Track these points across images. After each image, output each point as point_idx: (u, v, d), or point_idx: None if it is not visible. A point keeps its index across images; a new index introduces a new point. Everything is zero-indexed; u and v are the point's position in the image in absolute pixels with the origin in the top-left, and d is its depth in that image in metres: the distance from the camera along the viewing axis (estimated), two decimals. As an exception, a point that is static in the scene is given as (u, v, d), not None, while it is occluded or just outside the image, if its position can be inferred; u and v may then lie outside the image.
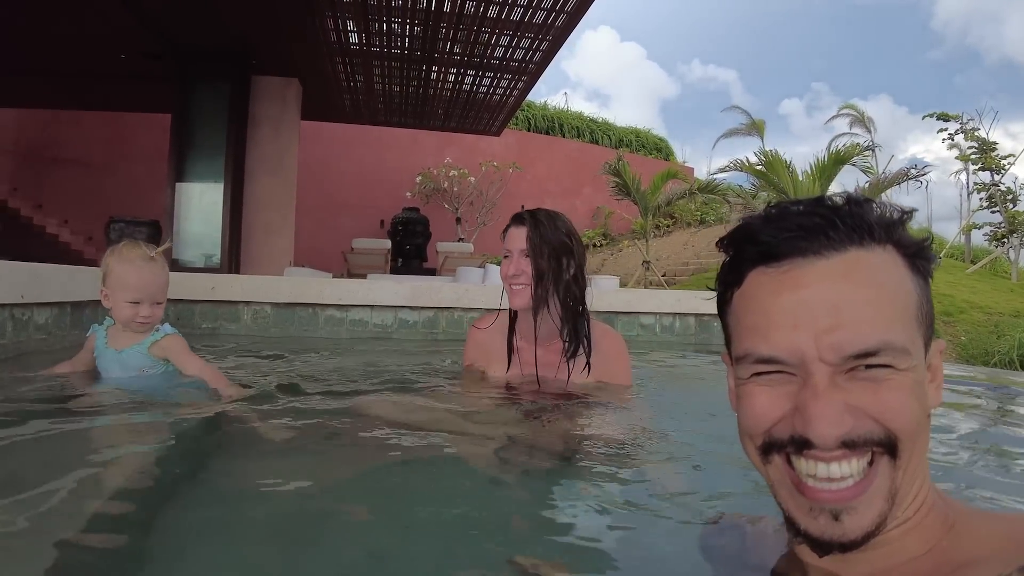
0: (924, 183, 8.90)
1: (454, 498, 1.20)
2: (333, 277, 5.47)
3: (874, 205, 0.65)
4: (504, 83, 10.16)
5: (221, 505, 1.14)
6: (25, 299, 2.68)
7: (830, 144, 9.88)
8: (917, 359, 0.61)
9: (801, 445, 0.60)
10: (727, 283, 0.70)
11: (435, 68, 9.64)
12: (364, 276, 7.40)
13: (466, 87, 10.38)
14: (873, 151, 16.22)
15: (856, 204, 0.64)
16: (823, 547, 0.62)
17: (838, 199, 0.65)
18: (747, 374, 0.65)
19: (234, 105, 9.21)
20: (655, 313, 4.42)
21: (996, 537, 0.61)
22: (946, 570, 0.61)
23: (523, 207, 2.25)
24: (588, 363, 2.00)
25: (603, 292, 4.56)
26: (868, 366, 0.59)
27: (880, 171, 12.33)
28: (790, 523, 0.64)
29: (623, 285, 10.77)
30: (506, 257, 2.01)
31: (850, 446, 0.58)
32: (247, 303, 3.91)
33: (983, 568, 0.58)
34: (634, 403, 2.01)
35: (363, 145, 15.84)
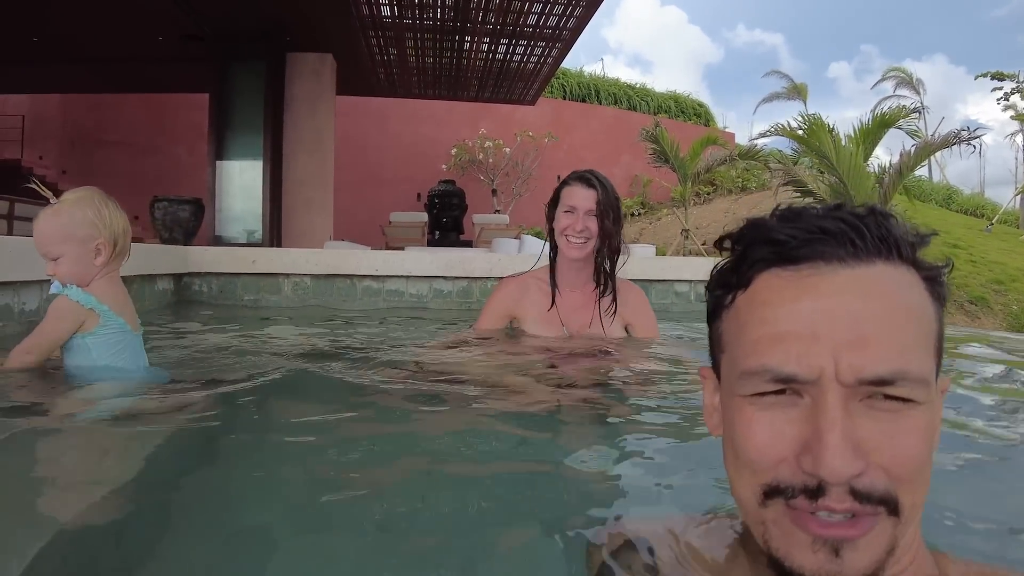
0: (976, 146, 8.36)
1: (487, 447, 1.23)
2: (370, 250, 5.55)
3: (897, 220, 0.59)
4: (538, 51, 10.04)
5: (253, 463, 1.19)
6: (77, 274, 2.80)
7: (875, 107, 9.47)
8: (933, 394, 0.56)
9: (814, 494, 0.54)
10: (730, 285, 0.62)
11: (468, 38, 9.57)
12: (402, 250, 7.49)
13: (500, 56, 10.30)
14: (921, 113, 15.56)
15: (882, 215, 0.58)
16: None
17: (861, 209, 0.59)
18: (748, 391, 0.58)
19: (270, 83, 9.32)
20: (690, 281, 4.38)
21: None
22: None
23: (558, 177, 2.39)
24: (615, 305, 2.27)
25: (638, 260, 4.54)
26: (886, 396, 0.54)
27: (929, 134, 11.84)
28: (776, 563, 0.57)
29: (661, 254, 10.66)
30: (567, 212, 2.19)
31: (858, 497, 0.53)
32: (287, 275, 4.01)
33: None
34: (663, 347, 2.27)
35: (398, 119, 15.89)
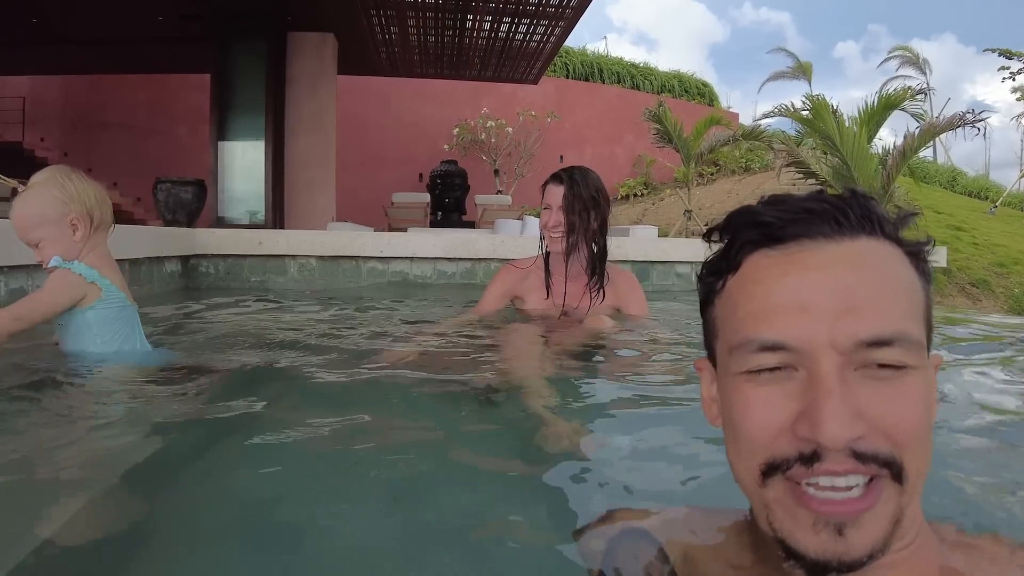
0: (981, 129, 8.24)
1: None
2: (375, 232, 5.57)
3: (878, 202, 0.61)
4: (541, 29, 9.94)
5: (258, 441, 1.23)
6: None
7: (881, 88, 9.39)
8: (927, 362, 0.57)
9: (810, 460, 0.54)
10: (720, 270, 0.64)
11: (470, 16, 9.49)
12: (405, 230, 7.50)
13: (502, 35, 10.20)
14: (927, 94, 15.34)
15: (863, 197, 0.61)
16: (821, 569, 0.55)
17: (843, 192, 0.62)
18: (740, 368, 0.58)
19: (271, 63, 9.25)
20: (690, 262, 4.40)
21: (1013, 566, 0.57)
22: None
23: (561, 158, 2.48)
24: (603, 291, 2.42)
25: (639, 241, 4.56)
26: (881, 364, 0.54)
27: (934, 115, 11.72)
28: (782, 544, 0.57)
29: (664, 235, 10.66)
30: (546, 209, 2.37)
31: (860, 459, 0.53)
32: (293, 256, 4.05)
33: None
34: (648, 326, 2.42)
35: (400, 98, 15.77)
